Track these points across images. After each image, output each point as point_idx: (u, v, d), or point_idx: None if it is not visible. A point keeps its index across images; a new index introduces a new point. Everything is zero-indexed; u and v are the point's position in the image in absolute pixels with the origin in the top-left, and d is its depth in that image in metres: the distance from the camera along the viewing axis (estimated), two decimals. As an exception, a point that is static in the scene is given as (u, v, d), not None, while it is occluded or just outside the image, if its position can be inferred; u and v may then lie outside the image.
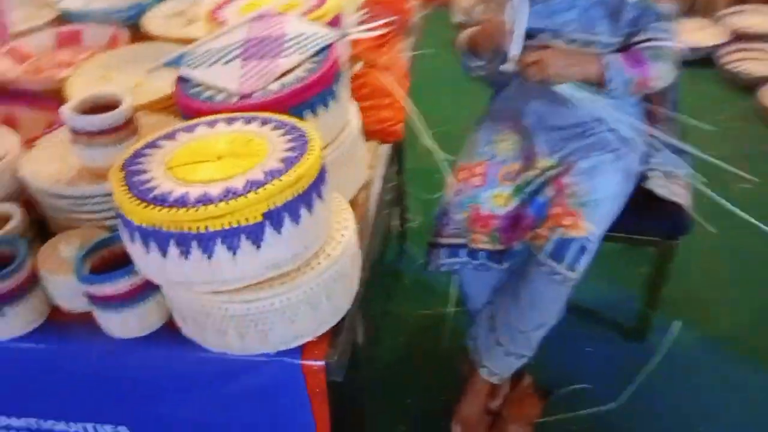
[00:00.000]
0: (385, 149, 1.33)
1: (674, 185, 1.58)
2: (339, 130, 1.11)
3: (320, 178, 0.85)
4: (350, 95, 1.39)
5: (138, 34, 1.56)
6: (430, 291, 2.01)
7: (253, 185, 0.79)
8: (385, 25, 1.72)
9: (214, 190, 0.79)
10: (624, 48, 1.50)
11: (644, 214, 1.59)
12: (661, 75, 1.47)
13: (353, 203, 1.17)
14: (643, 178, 1.59)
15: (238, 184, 0.79)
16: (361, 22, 1.71)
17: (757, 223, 1.55)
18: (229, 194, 0.78)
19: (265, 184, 0.79)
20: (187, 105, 1.04)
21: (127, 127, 1.06)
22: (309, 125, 0.92)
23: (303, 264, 0.84)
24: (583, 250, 1.41)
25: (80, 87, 1.32)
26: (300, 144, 0.87)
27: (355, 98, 1.42)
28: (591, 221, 1.43)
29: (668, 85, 1.53)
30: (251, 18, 1.25)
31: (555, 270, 1.41)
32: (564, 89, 1.48)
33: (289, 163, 0.83)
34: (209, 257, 0.78)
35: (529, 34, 1.52)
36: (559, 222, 1.42)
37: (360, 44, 1.59)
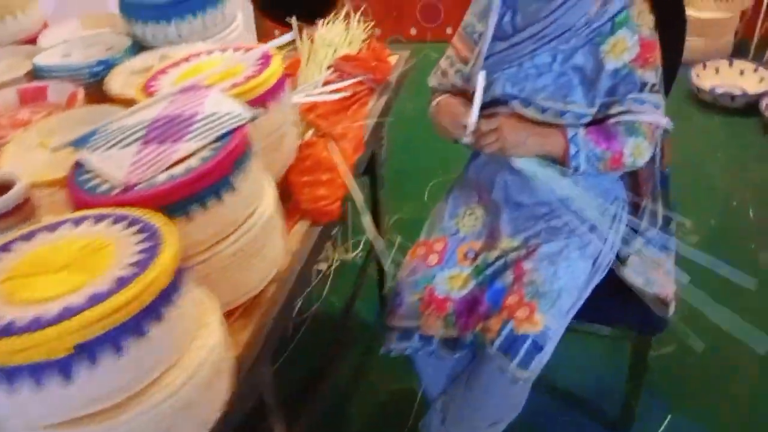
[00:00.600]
0: (315, 231, 1.23)
1: (655, 273, 1.40)
2: (240, 221, 1.02)
3: (161, 299, 0.77)
4: (280, 170, 1.29)
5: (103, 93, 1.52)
6: (407, 362, 1.89)
7: (68, 312, 0.71)
8: (353, 85, 1.63)
9: (26, 316, 0.71)
10: (599, 120, 1.36)
11: (615, 303, 1.41)
12: (634, 152, 1.32)
13: (260, 297, 1.09)
14: (620, 261, 1.42)
15: (53, 309, 0.72)
16: (326, 83, 1.63)
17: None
18: (38, 323, 0.70)
19: (82, 310, 0.71)
20: (71, 194, 0.98)
21: (17, 214, 1.00)
22: (172, 232, 0.83)
23: (132, 396, 0.76)
24: (537, 347, 1.26)
25: (14, 154, 1.28)
26: (145, 258, 0.79)
27: (295, 172, 1.34)
28: (548, 314, 1.28)
29: (651, 165, 1.38)
30: (176, 92, 1.18)
31: (505, 368, 1.27)
32: (524, 164, 1.35)
33: (120, 283, 0.75)
34: (13, 392, 0.70)
35: (500, 101, 1.40)
36: (512, 314, 1.28)
37: (317, 109, 1.50)
